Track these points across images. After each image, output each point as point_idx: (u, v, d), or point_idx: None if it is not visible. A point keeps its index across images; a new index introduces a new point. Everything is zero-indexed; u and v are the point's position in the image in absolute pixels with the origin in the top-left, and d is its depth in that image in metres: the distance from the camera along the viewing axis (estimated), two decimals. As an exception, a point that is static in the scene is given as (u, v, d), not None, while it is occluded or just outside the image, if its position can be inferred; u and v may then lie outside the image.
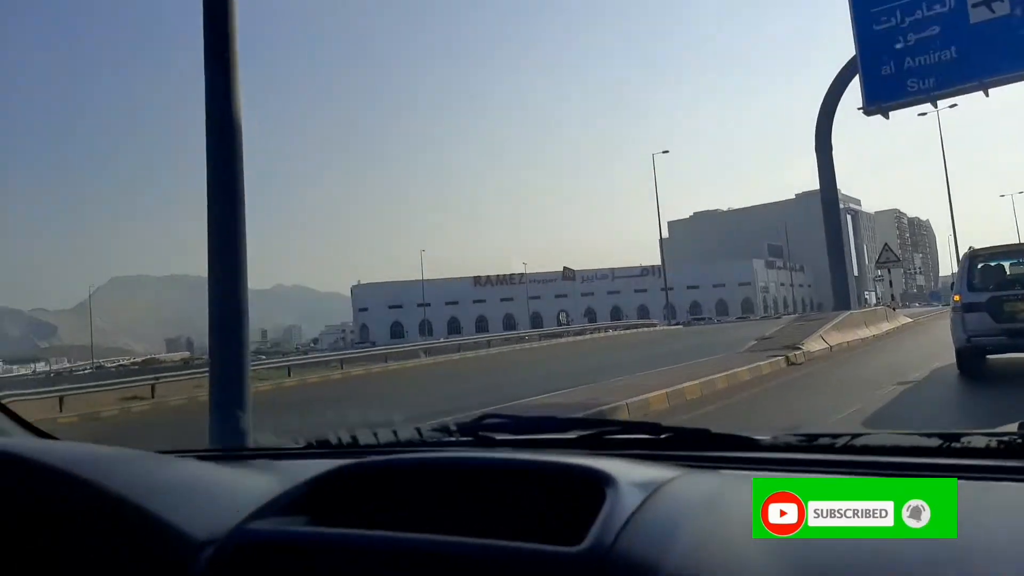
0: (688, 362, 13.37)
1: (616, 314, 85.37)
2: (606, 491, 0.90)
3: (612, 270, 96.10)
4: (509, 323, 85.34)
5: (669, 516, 0.86)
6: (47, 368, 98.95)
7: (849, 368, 13.26)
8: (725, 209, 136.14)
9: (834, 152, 28.68)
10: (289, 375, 24.48)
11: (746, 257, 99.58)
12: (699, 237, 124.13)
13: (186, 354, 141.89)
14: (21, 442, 1.29)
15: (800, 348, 14.23)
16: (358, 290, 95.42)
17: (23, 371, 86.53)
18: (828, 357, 14.77)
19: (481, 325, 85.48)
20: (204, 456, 1.46)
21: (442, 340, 45.42)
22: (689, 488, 0.95)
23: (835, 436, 1.22)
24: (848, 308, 24.34)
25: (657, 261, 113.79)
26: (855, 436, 1.20)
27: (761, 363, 12.28)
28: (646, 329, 46.50)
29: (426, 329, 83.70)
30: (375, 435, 1.56)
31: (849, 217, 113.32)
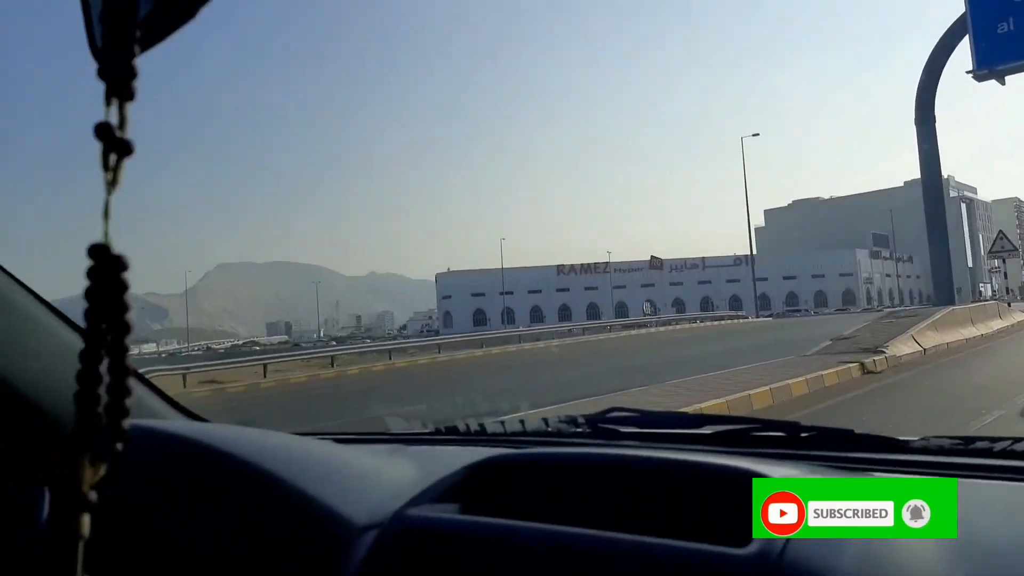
0: (738, 367, 11.04)
1: (706, 305, 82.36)
2: None
3: (703, 259, 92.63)
4: (593, 312, 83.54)
5: None
6: (156, 349, 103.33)
7: (944, 379, 10.66)
8: (827, 197, 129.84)
9: (945, 132, 25.24)
10: (332, 365, 23.36)
11: (849, 247, 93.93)
12: (798, 225, 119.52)
13: (284, 337, 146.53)
14: (180, 424, 1.30)
15: (883, 351, 11.66)
16: (443, 278, 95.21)
17: (133, 351, 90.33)
18: (919, 363, 12.11)
19: (564, 314, 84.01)
20: (341, 439, 1.51)
21: (501, 330, 43.87)
22: None
23: (994, 440, 1.17)
24: (952, 302, 20.84)
25: (752, 250, 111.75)
26: (1017, 440, 1.14)
27: (825, 372, 9.85)
28: (730, 321, 43.44)
29: (505, 318, 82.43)
30: (502, 424, 1.59)
31: (964, 206, 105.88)
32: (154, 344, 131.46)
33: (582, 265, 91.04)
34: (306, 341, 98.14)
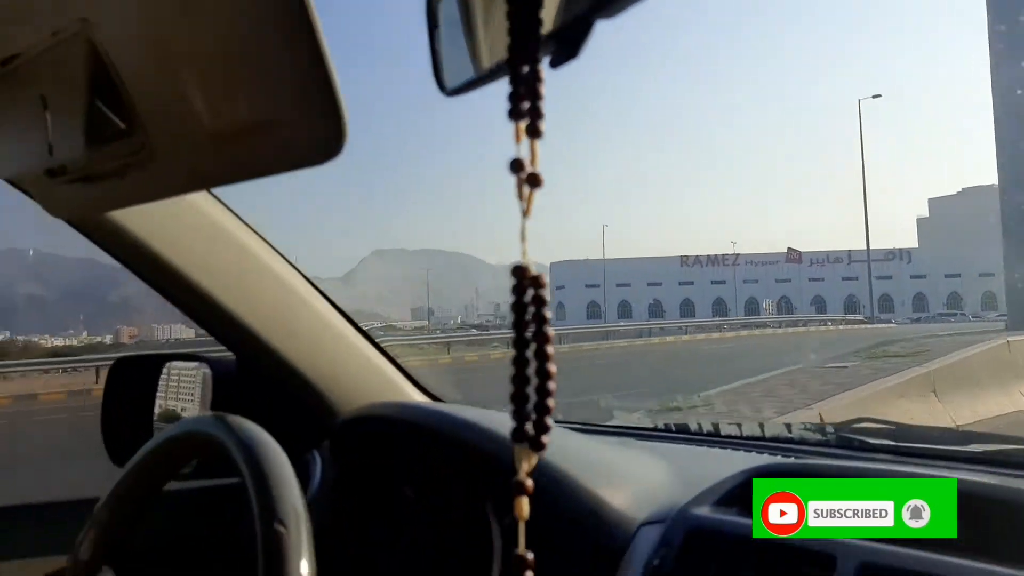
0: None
1: (851, 304, 73.08)
2: None
3: (848, 252, 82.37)
4: (719, 308, 76.95)
5: None
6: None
7: None
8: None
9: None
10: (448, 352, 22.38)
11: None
12: (968, 217, 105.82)
13: (424, 322, 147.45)
14: (457, 408, 1.33)
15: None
16: (556, 267, 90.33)
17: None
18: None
19: (687, 309, 77.39)
20: (574, 428, 1.51)
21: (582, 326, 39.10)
22: None
23: None
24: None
25: (912, 244, 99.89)
26: None
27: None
28: (822, 328, 36.35)
29: (618, 311, 76.82)
30: (739, 427, 1.57)
31: None
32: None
33: (708, 256, 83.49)
34: (426, 327, 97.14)
